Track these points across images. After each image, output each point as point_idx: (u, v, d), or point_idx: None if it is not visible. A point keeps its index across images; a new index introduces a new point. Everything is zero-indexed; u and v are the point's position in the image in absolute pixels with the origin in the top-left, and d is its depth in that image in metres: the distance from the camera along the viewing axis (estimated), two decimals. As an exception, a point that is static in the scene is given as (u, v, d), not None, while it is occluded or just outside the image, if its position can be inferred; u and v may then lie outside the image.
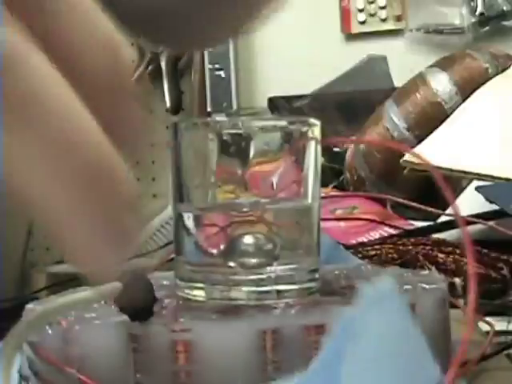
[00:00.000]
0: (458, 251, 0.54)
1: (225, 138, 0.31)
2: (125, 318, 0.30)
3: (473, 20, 1.39)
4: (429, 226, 0.68)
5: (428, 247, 0.55)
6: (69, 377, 0.29)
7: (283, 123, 0.33)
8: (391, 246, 0.58)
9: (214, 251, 0.31)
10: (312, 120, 0.33)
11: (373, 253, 0.58)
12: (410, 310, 0.23)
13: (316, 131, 0.33)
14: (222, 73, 1.48)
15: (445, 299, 0.34)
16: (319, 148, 0.33)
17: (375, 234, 0.74)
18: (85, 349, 0.30)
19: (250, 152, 0.31)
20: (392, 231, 0.70)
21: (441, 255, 0.53)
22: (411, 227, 0.73)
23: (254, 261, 0.31)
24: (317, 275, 0.33)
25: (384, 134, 1.05)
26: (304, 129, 0.32)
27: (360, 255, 0.58)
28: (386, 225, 0.75)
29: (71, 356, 0.30)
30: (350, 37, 1.53)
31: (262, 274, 0.31)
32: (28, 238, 1.00)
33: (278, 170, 0.32)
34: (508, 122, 0.73)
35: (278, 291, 0.31)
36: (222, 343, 0.28)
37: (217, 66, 1.48)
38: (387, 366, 0.23)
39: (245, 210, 0.31)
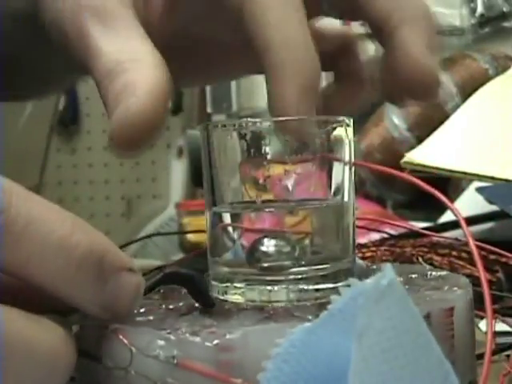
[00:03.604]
0: (453, 253, 0.54)
1: (248, 138, 0.31)
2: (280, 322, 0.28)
3: (473, 21, 1.39)
4: (428, 227, 0.68)
5: (424, 249, 0.55)
6: None
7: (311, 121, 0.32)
8: (387, 247, 0.58)
9: (252, 253, 0.31)
10: (343, 119, 0.33)
11: (369, 254, 0.58)
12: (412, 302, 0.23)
13: (349, 130, 0.32)
14: (222, 73, 1.48)
15: (472, 300, 0.33)
16: (352, 146, 0.33)
17: (375, 236, 0.74)
18: (245, 356, 0.27)
19: (269, 152, 0.31)
20: (392, 232, 0.70)
21: (436, 257, 0.53)
22: (411, 228, 0.72)
23: (287, 262, 0.31)
24: (351, 273, 0.32)
25: (384, 134, 1.05)
26: (334, 126, 0.32)
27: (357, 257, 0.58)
28: (386, 225, 0.74)
29: (230, 364, 0.27)
30: (351, 37, 1.53)
31: (298, 274, 0.31)
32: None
33: (304, 170, 0.31)
34: (508, 123, 0.73)
35: (316, 290, 0.31)
36: None
37: (217, 66, 1.48)
38: (394, 361, 0.23)
39: (278, 209, 0.31)
